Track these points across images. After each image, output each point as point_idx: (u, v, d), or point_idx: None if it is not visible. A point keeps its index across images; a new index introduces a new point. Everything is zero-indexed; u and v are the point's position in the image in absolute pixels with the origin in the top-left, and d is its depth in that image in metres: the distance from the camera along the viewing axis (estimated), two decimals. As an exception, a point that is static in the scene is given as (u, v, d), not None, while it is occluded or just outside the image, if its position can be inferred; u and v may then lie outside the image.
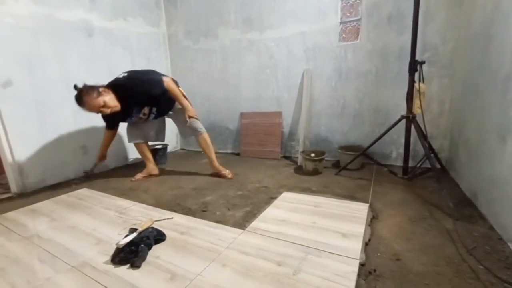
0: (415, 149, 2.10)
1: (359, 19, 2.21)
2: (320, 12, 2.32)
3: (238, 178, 2.10)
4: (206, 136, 2.10)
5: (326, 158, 2.21)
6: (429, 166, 1.61)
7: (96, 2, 2.37)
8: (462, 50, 1.82)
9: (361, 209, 1.43)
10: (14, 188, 1.98)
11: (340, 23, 2.29)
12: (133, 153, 2.77)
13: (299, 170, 2.27)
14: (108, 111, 1.75)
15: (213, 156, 2.14)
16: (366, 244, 1.13)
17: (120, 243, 1.09)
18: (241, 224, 1.35)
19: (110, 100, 1.76)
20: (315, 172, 2.12)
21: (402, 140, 1.92)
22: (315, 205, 1.52)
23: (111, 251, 1.11)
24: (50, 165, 2.13)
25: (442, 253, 1.05)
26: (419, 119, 1.75)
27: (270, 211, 1.47)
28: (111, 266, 1.04)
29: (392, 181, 1.88)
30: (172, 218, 1.44)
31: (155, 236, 1.19)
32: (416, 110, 1.76)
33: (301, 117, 2.54)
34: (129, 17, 2.68)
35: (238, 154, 2.96)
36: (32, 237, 1.30)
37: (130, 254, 1.07)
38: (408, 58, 1.73)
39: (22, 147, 1.97)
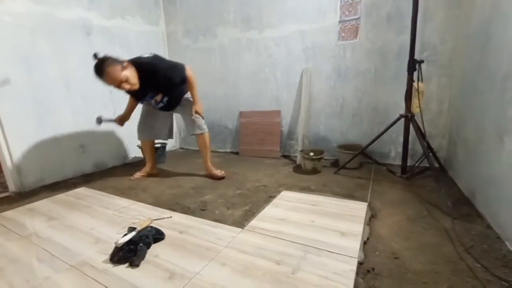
0: (413, 148, 2.10)
1: (358, 18, 2.21)
2: (320, 11, 2.32)
3: (237, 177, 2.10)
4: (207, 136, 2.09)
5: (325, 157, 2.22)
6: (428, 165, 1.62)
7: (95, 1, 2.36)
8: (460, 50, 1.83)
9: (359, 208, 1.44)
10: (12, 187, 1.97)
11: (339, 22, 2.29)
12: (131, 152, 2.77)
13: (298, 169, 2.27)
14: (127, 87, 1.66)
15: (208, 157, 2.12)
16: (364, 243, 1.13)
17: (119, 242, 1.09)
18: (240, 223, 1.35)
19: (132, 77, 1.68)
20: (314, 171, 2.13)
21: (401, 139, 1.93)
22: (314, 204, 1.52)
23: (110, 250, 1.11)
24: (48, 164, 2.12)
25: (440, 252, 1.05)
26: (417, 118, 1.75)
27: (269, 210, 1.48)
28: (110, 265, 1.04)
29: (390, 180, 1.89)
30: (171, 217, 1.44)
31: (154, 235, 1.19)
32: (415, 109, 1.76)
33: (300, 116, 2.54)
34: (128, 15, 2.67)
35: (237, 153, 2.96)
36: (30, 236, 1.30)
37: (129, 253, 1.07)
38: (407, 57, 1.73)
39: (20, 146, 1.96)
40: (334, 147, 2.38)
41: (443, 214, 1.35)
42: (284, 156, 2.72)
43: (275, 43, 2.58)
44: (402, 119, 1.81)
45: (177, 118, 2.69)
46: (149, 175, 2.22)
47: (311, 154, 2.14)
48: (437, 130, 2.10)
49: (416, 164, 1.89)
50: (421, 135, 1.71)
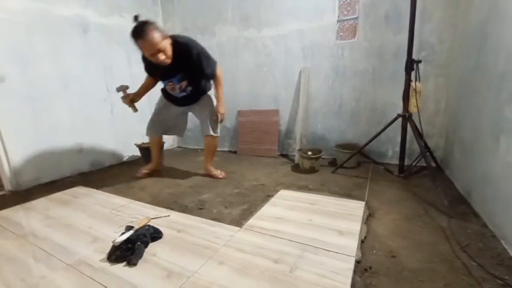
0: (411, 147, 2.12)
1: (357, 18, 2.21)
2: (318, 10, 2.32)
3: (235, 176, 2.10)
4: (217, 141, 2.07)
5: (322, 156, 2.22)
6: (425, 164, 1.63)
7: (92, -2, 2.34)
8: (458, 50, 1.84)
9: (357, 207, 1.44)
10: (8, 185, 1.95)
11: (338, 21, 2.29)
12: (129, 151, 2.75)
13: (296, 168, 2.27)
14: (162, 58, 1.56)
15: (211, 159, 2.11)
16: (362, 242, 1.14)
17: (117, 240, 1.09)
18: (238, 221, 1.35)
19: (169, 50, 1.59)
20: (312, 170, 2.13)
21: (398, 139, 1.94)
22: (311, 203, 1.53)
23: (107, 249, 1.10)
24: (45, 162, 2.10)
25: (437, 250, 1.06)
26: (415, 118, 1.77)
27: (267, 209, 1.48)
28: (108, 264, 1.03)
29: (388, 179, 1.90)
30: (169, 216, 1.43)
31: (151, 234, 1.19)
32: (412, 109, 1.77)
33: (298, 115, 2.54)
34: (125, 13, 2.64)
35: (235, 152, 2.96)
36: (27, 235, 1.29)
37: (127, 251, 1.06)
38: (405, 57, 1.74)
39: (16, 144, 1.94)
40: (332, 146, 2.39)
41: (440, 213, 1.37)
42: (282, 155, 2.72)
43: (273, 42, 2.58)
44: (400, 119, 1.82)
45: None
46: (154, 171, 2.21)
47: (309, 153, 2.14)
48: (434, 129, 2.11)
49: (414, 164, 1.90)
50: (419, 134, 1.72)
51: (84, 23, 2.30)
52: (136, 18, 1.53)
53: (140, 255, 1.06)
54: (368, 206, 1.47)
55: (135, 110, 1.93)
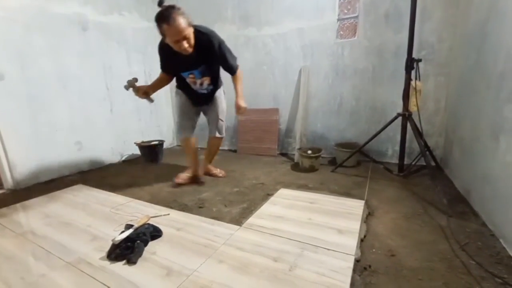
0: (410, 146, 2.12)
1: (357, 16, 2.21)
2: (318, 9, 2.31)
3: (235, 175, 2.10)
4: (222, 141, 2.04)
5: (322, 155, 2.23)
6: (424, 163, 1.63)
7: (91, -5, 2.33)
8: (458, 49, 1.84)
9: (356, 206, 1.44)
10: (7, 184, 1.95)
11: (338, 20, 2.28)
12: (128, 150, 2.74)
13: (295, 167, 2.27)
14: (186, 46, 1.50)
15: (212, 159, 2.11)
16: (361, 240, 1.14)
17: (116, 239, 1.09)
18: (238, 220, 1.35)
19: (192, 38, 1.53)
20: (312, 169, 2.13)
21: (398, 138, 1.94)
22: (311, 201, 1.53)
23: (107, 247, 1.10)
24: (44, 161, 2.10)
25: (436, 249, 1.07)
26: (415, 117, 1.77)
27: (267, 208, 1.48)
28: (107, 262, 1.03)
29: (387, 178, 1.90)
30: (168, 214, 1.43)
31: (151, 232, 1.19)
32: (412, 108, 1.77)
33: (298, 114, 2.54)
34: (125, 11, 2.63)
35: (235, 151, 2.95)
36: (26, 234, 1.29)
37: (126, 250, 1.06)
38: (405, 56, 1.74)
39: (15, 142, 1.93)
40: (332, 145, 2.39)
41: (439, 212, 1.37)
42: (282, 154, 2.72)
43: (273, 41, 2.57)
44: (400, 118, 1.82)
45: (173, 115, 2.66)
46: (194, 179, 1.97)
47: (309, 152, 2.14)
48: (434, 128, 2.11)
49: (413, 163, 1.91)
50: (418, 133, 1.73)
51: (83, 21, 2.29)
52: (160, 2, 1.46)
53: (139, 254, 1.06)
54: (367, 205, 1.48)
55: (151, 101, 1.77)
